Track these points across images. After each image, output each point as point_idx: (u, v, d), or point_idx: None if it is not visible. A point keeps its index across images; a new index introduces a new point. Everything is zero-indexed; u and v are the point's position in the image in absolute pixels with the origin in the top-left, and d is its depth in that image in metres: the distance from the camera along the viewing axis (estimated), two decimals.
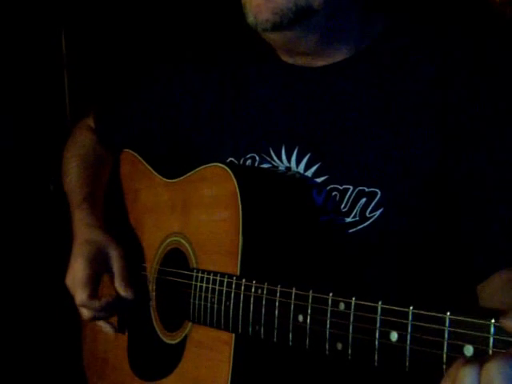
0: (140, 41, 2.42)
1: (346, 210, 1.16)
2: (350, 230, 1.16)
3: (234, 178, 1.12)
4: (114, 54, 2.43)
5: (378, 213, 1.15)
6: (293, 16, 1.12)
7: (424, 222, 1.15)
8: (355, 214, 1.16)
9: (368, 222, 1.15)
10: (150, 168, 1.43)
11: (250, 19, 1.15)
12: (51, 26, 2.37)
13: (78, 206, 1.44)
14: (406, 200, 1.14)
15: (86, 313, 1.36)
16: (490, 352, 0.72)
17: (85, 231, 1.39)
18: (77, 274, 1.33)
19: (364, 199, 1.15)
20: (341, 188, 1.17)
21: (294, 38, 1.18)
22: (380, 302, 0.85)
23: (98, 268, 1.35)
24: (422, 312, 0.80)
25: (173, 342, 1.26)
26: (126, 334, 1.44)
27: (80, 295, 1.32)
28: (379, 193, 1.15)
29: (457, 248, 1.12)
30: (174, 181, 1.33)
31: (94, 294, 1.33)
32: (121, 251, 1.37)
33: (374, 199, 1.15)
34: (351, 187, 1.17)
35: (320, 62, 1.24)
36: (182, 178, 1.30)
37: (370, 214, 1.15)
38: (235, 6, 1.20)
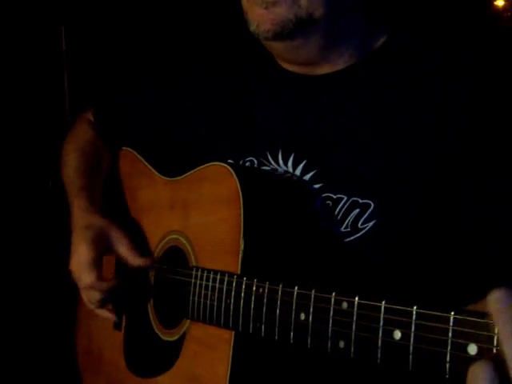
0: (140, 38, 2.42)
1: (338, 219, 1.16)
2: (344, 240, 1.16)
3: (235, 177, 1.13)
4: (113, 50, 2.43)
5: (370, 224, 1.14)
6: (293, 26, 1.13)
7: (417, 234, 1.14)
8: (347, 224, 1.16)
9: (360, 234, 1.15)
10: (149, 166, 1.43)
11: (253, 28, 1.17)
12: (51, 23, 2.37)
13: (76, 195, 1.44)
14: (399, 213, 1.13)
15: (94, 295, 1.36)
16: (495, 351, 0.72)
17: (84, 217, 1.39)
18: (81, 258, 1.33)
19: (357, 210, 1.15)
20: (334, 197, 1.17)
21: (295, 47, 1.19)
22: (383, 302, 0.86)
23: (101, 250, 1.36)
24: (426, 311, 0.80)
25: (170, 339, 1.26)
26: (122, 330, 1.44)
27: (87, 277, 1.33)
28: (372, 205, 1.14)
29: (454, 258, 1.11)
30: (173, 179, 1.34)
31: (100, 275, 1.33)
32: (122, 232, 1.37)
33: (366, 211, 1.14)
34: (345, 197, 1.16)
35: (320, 71, 1.24)
36: (182, 176, 1.31)
37: (361, 225, 1.14)
38: (236, 8, 1.21)
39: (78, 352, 1.59)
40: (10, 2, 2.30)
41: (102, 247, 1.36)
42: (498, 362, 0.69)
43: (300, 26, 1.14)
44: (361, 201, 1.15)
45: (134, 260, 1.35)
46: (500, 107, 1.11)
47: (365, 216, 1.14)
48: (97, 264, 1.33)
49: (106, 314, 1.40)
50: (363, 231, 1.14)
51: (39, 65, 2.36)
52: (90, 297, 1.37)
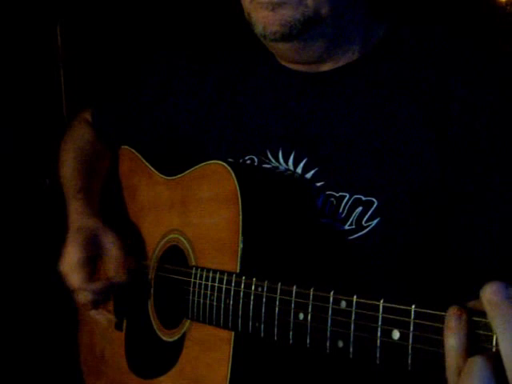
0: (137, 36, 2.41)
1: (342, 216, 1.16)
2: (348, 238, 1.16)
3: (234, 176, 1.12)
4: (110, 49, 2.43)
5: (374, 222, 1.14)
6: (301, 26, 1.12)
7: (422, 232, 1.13)
8: (352, 221, 1.15)
9: (364, 231, 1.14)
10: (148, 165, 1.43)
11: (258, 30, 1.15)
12: (47, 21, 2.37)
13: (73, 197, 1.44)
14: (404, 211, 1.12)
15: (82, 297, 1.35)
16: (494, 350, 0.71)
17: (78, 219, 1.39)
18: (71, 259, 1.33)
19: (360, 208, 1.14)
20: (337, 195, 1.16)
21: (302, 47, 1.18)
22: (382, 301, 0.85)
23: (92, 252, 1.35)
24: (425, 310, 0.80)
25: (171, 340, 1.25)
26: (124, 331, 1.44)
27: (75, 279, 1.32)
28: (376, 202, 1.14)
29: (454, 257, 1.11)
30: (172, 178, 1.33)
31: (89, 276, 1.33)
32: (115, 236, 1.37)
33: (370, 208, 1.14)
34: (347, 195, 1.16)
35: (321, 68, 1.23)
36: (181, 175, 1.30)
37: (366, 223, 1.14)
38: (235, 6, 1.20)
39: (81, 353, 1.59)
40: (5, 0, 2.30)
41: (92, 250, 1.35)
42: (495, 360, 0.68)
43: (308, 25, 1.12)
44: (364, 198, 1.14)
45: (113, 267, 1.35)
46: (500, 104, 1.09)
47: (369, 213, 1.14)
48: (85, 265, 1.33)
49: (100, 316, 1.40)
50: (368, 229, 1.14)
51: (35, 62, 2.36)
52: (80, 299, 1.36)
